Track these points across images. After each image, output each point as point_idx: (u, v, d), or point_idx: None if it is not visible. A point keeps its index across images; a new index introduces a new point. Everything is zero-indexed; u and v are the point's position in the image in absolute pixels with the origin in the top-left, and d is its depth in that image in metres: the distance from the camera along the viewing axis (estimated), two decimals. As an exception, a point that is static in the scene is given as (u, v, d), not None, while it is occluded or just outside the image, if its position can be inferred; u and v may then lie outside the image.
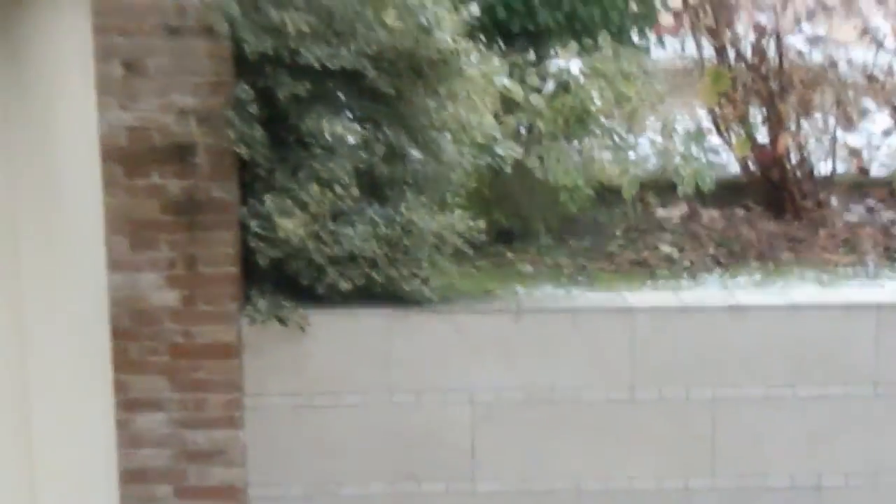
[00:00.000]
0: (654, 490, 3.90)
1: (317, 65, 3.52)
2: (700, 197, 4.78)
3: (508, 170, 4.22)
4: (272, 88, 3.55)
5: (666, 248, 4.60)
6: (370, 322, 3.78)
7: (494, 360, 3.83)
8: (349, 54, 3.57)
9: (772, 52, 4.91)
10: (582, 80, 4.40)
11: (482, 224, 3.80)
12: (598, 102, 4.35)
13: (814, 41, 4.87)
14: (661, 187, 4.80)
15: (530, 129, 4.47)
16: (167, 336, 3.68)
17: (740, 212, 4.98)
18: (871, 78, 4.97)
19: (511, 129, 4.35)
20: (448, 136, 3.97)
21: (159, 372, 3.70)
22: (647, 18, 5.03)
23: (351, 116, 3.73)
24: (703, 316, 3.89)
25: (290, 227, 3.50)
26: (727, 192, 4.94)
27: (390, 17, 3.59)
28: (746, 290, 4.16)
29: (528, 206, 4.55)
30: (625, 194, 4.46)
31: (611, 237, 4.70)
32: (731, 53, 4.97)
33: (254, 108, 3.50)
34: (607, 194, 4.61)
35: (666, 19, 5.08)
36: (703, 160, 4.64)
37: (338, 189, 3.57)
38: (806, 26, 4.86)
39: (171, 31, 3.50)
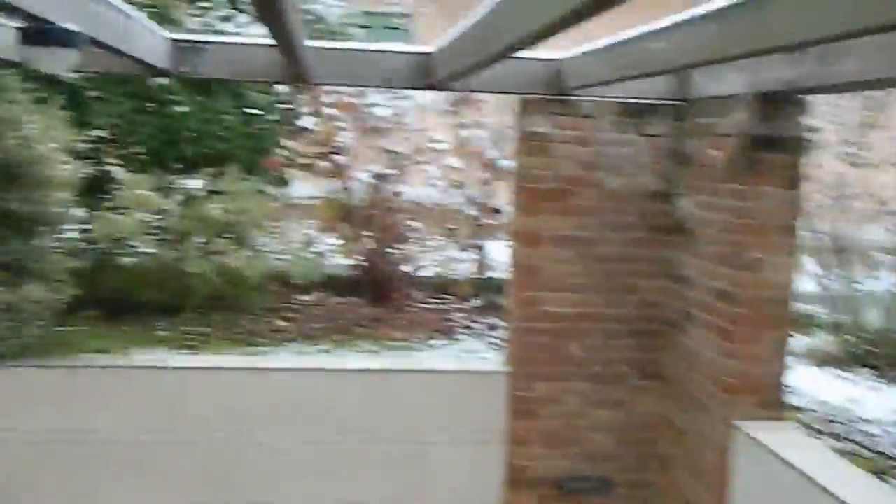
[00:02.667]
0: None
1: None
2: (330, 287, 6.91)
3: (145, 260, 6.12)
4: None
5: (280, 323, 6.14)
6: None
7: (51, 407, 4.62)
8: None
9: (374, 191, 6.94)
10: (200, 194, 6.05)
11: (65, 295, 4.80)
12: (215, 212, 5.85)
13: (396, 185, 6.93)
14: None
15: (165, 230, 6.00)
16: None
17: (354, 299, 6.80)
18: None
19: (148, 228, 5.87)
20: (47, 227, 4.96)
21: None
22: (265, 155, 6.80)
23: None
24: (230, 374, 4.77)
25: None
26: (353, 285, 6.96)
27: None
28: (298, 356, 5.43)
29: (173, 288, 5.95)
30: (249, 282, 5.88)
31: (247, 314, 6.22)
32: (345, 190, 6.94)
33: None
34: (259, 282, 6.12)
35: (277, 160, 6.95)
36: (312, 260, 6.49)
37: None
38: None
39: None
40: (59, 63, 2.52)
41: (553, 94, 4.55)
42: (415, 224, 7.29)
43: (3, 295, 4.45)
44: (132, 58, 3.68)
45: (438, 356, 5.67)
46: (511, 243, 4.88)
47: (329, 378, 4.81)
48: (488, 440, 4.82)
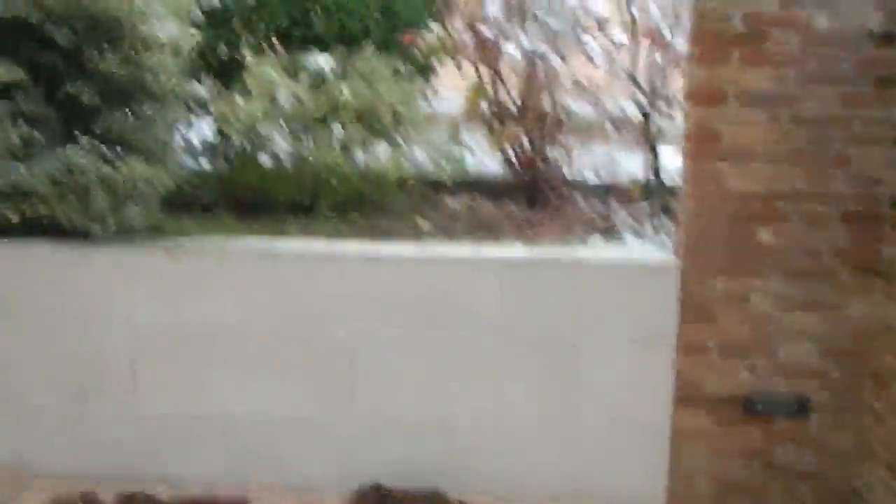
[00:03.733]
0: (297, 418, 4.14)
1: None
2: (477, 189, 6.02)
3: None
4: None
5: (421, 222, 5.32)
6: (41, 252, 4.09)
7: (152, 292, 4.08)
8: (21, 4, 3.92)
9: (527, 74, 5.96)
10: (331, 76, 5.29)
11: (172, 177, 4.31)
12: (346, 95, 5.15)
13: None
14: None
15: (294, 117, 5.21)
16: None
17: (504, 202, 5.92)
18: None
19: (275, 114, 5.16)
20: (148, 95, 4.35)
21: None
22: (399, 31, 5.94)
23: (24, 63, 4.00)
24: (344, 263, 4.05)
25: None
26: (503, 187, 6.05)
27: None
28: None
29: (308, 185, 5.25)
30: (391, 177, 5.30)
31: (387, 214, 5.38)
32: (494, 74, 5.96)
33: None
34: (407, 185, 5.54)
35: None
36: (456, 157, 5.71)
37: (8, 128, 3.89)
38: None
39: None
40: None
41: None
42: (574, 114, 6.39)
43: (99, 168, 3.97)
44: None
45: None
46: (686, 104, 3.93)
47: (464, 268, 4.07)
48: (654, 347, 3.95)
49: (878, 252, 3.78)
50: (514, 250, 4.29)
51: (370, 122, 5.52)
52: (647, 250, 4.51)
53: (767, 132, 3.75)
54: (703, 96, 3.79)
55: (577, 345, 3.99)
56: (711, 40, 3.73)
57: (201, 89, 4.98)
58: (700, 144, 3.83)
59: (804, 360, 3.89)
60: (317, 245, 4.29)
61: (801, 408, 3.91)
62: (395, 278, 4.06)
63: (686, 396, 3.95)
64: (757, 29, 3.69)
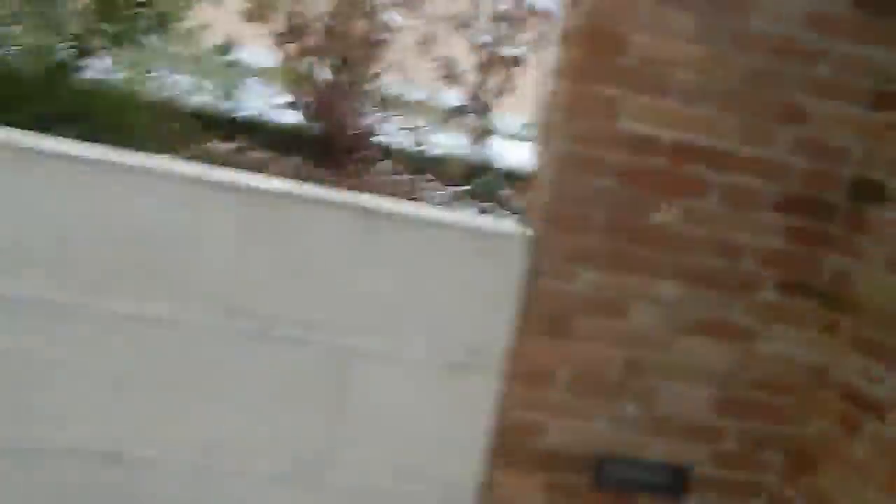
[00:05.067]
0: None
1: None
2: (255, 135, 5.24)
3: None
4: None
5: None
6: None
7: None
8: None
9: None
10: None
11: None
12: None
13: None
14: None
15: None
16: None
17: (290, 158, 5.25)
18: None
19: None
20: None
21: None
22: None
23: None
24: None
25: None
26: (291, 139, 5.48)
27: None
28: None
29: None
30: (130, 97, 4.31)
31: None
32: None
33: None
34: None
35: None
36: (226, 77, 4.80)
37: None
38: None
39: None
40: None
41: None
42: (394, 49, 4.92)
43: None
44: None
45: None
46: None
47: (184, 192, 2.39)
48: (471, 366, 2.47)
49: (819, 262, 2.51)
50: (264, 180, 2.63)
51: (107, 15, 3.80)
52: (483, 220, 3.04)
53: (694, 50, 2.38)
54: (604, -22, 2.36)
55: (353, 349, 2.43)
56: None
57: None
58: (588, 56, 2.38)
59: (692, 410, 2.54)
60: None
61: (675, 482, 2.57)
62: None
63: (510, 448, 2.50)
64: None
